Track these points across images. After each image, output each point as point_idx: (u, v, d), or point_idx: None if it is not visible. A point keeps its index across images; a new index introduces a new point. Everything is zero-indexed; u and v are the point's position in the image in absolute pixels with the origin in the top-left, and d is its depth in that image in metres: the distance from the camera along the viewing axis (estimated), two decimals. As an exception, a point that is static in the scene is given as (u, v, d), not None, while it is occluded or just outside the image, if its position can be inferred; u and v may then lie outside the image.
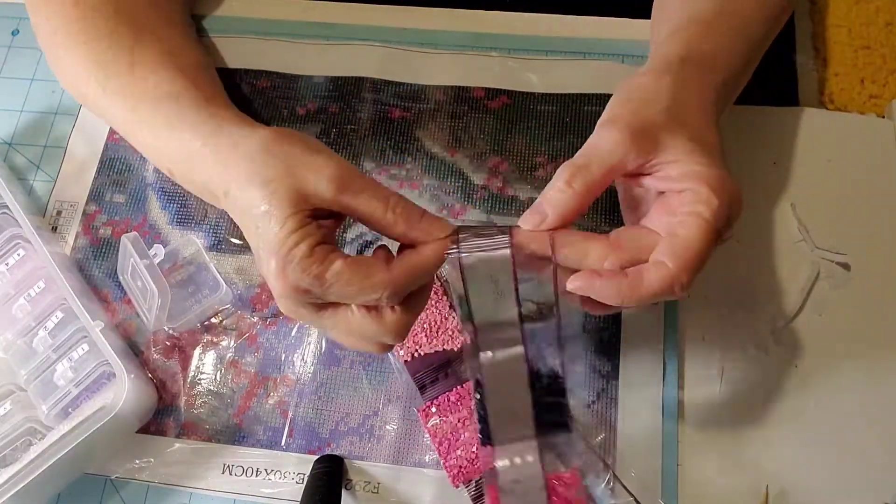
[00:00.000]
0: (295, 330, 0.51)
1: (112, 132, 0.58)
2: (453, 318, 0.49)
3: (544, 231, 0.38)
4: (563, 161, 0.39)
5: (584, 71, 0.57)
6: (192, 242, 0.54)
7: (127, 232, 0.53)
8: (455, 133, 0.56)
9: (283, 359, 0.51)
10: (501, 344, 0.39)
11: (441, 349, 0.49)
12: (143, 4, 0.52)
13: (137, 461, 0.49)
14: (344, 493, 0.47)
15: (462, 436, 0.47)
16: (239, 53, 0.59)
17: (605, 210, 0.52)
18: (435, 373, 0.48)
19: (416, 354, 0.49)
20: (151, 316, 0.50)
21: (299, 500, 0.46)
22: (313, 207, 0.37)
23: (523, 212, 0.39)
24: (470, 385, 0.43)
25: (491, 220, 0.53)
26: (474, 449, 0.46)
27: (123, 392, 0.46)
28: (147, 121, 0.47)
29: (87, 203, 0.56)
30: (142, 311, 0.51)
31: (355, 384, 0.50)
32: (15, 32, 0.63)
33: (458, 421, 0.47)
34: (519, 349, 0.39)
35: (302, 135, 0.40)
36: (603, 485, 0.45)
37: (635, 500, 0.45)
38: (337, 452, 0.48)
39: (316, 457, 0.48)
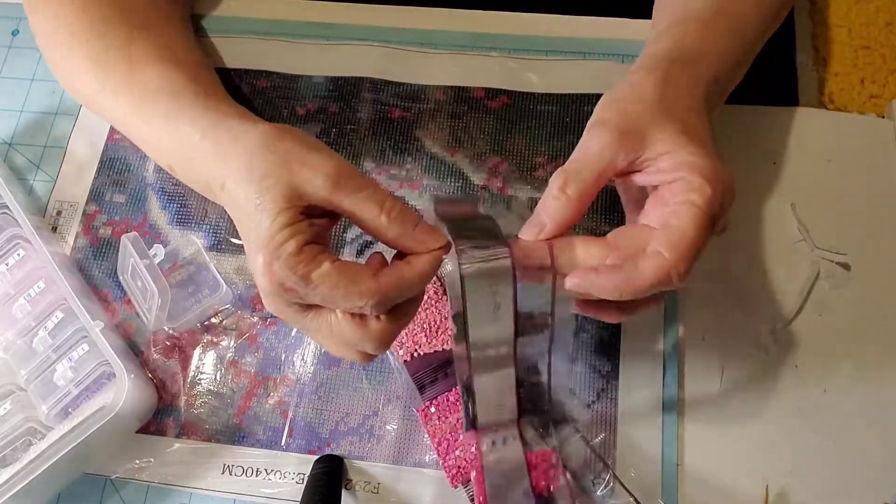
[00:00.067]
0: (295, 330, 0.51)
1: (112, 132, 0.58)
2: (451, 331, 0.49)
3: (542, 240, 0.38)
4: (563, 161, 0.39)
5: (584, 71, 0.57)
6: (192, 242, 0.54)
7: (127, 232, 0.53)
8: (455, 133, 0.56)
9: (283, 359, 0.51)
10: (493, 361, 0.40)
11: (440, 349, 0.49)
12: (142, 3, 0.52)
13: (137, 461, 0.49)
14: (344, 493, 0.47)
15: (461, 436, 0.47)
16: (239, 53, 0.59)
17: (605, 210, 0.52)
18: (434, 373, 0.48)
19: (415, 354, 0.49)
20: (151, 316, 0.50)
21: (299, 500, 0.46)
22: (307, 205, 0.36)
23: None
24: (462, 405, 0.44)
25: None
26: (473, 449, 0.46)
27: (123, 392, 0.46)
28: (147, 116, 0.47)
29: (87, 203, 0.56)
30: (142, 311, 0.51)
31: (355, 384, 0.50)
32: (15, 32, 0.63)
33: (457, 421, 0.47)
34: (510, 370, 0.41)
35: (302, 132, 0.39)
36: (603, 485, 0.45)
37: (635, 500, 0.45)
38: (337, 452, 0.48)
39: (316, 457, 0.48)
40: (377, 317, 0.37)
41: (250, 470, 0.48)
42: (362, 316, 0.37)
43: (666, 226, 0.37)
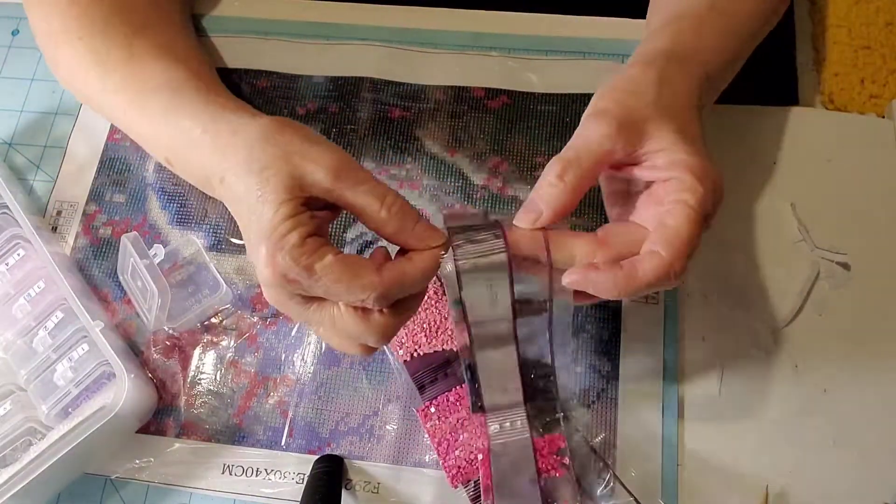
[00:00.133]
0: (295, 330, 0.51)
1: (112, 132, 0.58)
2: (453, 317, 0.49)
3: (538, 229, 0.38)
4: (563, 161, 0.40)
5: (584, 71, 0.57)
6: (192, 242, 0.54)
7: (127, 232, 0.53)
8: (455, 133, 0.56)
9: (283, 359, 0.51)
10: (494, 340, 0.41)
11: (440, 349, 0.49)
12: (143, 3, 0.52)
13: (137, 461, 0.49)
14: (344, 493, 0.47)
15: (461, 436, 0.46)
16: (239, 53, 0.59)
17: (601, 205, 0.52)
18: (434, 373, 0.48)
19: (415, 354, 0.49)
20: (151, 316, 0.50)
21: (299, 500, 0.46)
22: (308, 196, 0.36)
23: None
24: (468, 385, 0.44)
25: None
26: (473, 449, 0.46)
27: (123, 392, 0.46)
28: (146, 110, 0.47)
29: (87, 203, 0.56)
30: (142, 311, 0.51)
31: (355, 384, 0.50)
32: (15, 32, 0.63)
33: (457, 421, 0.47)
34: (511, 347, 0.41)
35: (302, 125, 0.39)
36: (603, 485, 0.45)
37: (635, 500, 0.45)
38: (337, 452, 0.48)
39: (316, 457, 0.48)
40: (380, 310, 0.37)
41: (250, 470, 0.48)
42: (365, 309, 0.37)
43: (662, 225, 0.38)
